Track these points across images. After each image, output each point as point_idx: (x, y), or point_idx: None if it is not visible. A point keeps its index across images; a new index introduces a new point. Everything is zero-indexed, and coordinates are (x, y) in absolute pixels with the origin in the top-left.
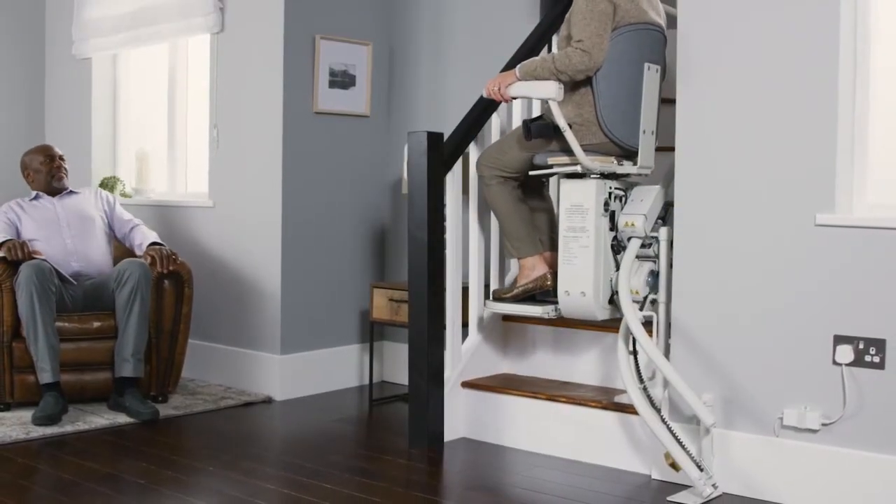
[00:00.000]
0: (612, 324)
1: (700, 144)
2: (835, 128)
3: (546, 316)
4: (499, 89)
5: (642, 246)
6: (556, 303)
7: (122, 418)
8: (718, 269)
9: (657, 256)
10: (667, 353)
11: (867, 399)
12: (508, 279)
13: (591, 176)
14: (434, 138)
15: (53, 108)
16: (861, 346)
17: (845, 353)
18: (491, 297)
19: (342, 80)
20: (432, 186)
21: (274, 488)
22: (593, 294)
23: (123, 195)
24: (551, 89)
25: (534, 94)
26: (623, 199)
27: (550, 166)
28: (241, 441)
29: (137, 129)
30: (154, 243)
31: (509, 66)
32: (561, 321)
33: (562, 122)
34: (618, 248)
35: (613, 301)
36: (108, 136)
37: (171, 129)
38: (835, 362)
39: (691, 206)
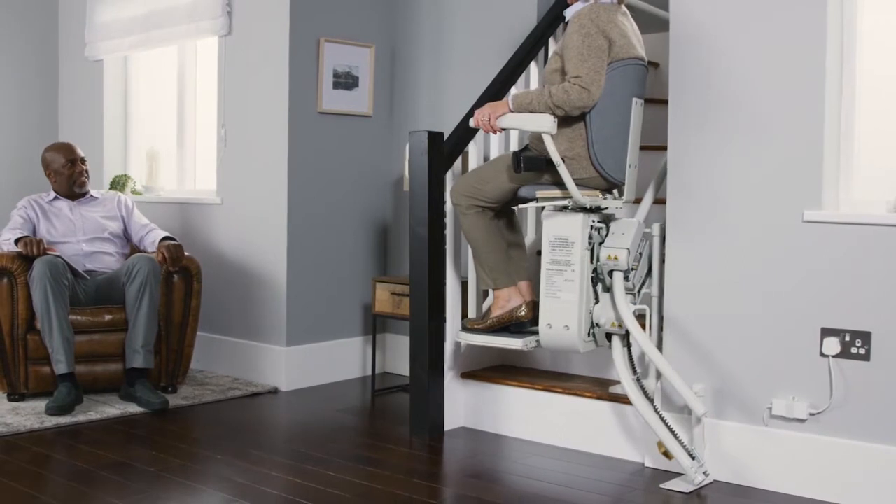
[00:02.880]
0: None
1: (691, 143)
2: (822, 127)
3: (526, 348)
4: (489, 120)
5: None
6: (533, 333)
7: (133, 408)
8: (709, 264)
9: (636, 289)
10: (659, 346)
11: (853, 390)
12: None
13: (574, 209)
14: (434, 137)
15: (66, 108)
16: (847, 338)
17: (832, 345)
18: (462, 328)
19: (346, 81)
20: (433, 184)
21: (279, 476)
22: (577, 328)
23: (134, 193)
24: (547, 122)
25: (528, 126)
26: (601, 232)
27: (537, 199)
28: (248, 430)
29: (147, 129)
30: (165, 238)
31: (487, 93)
32: None
33: (556, 157)
34: (596, 280)
35: (592, 334)
36: (120, 135)
37: (180, 128)
38: (822, 354)
39: (683, 202)
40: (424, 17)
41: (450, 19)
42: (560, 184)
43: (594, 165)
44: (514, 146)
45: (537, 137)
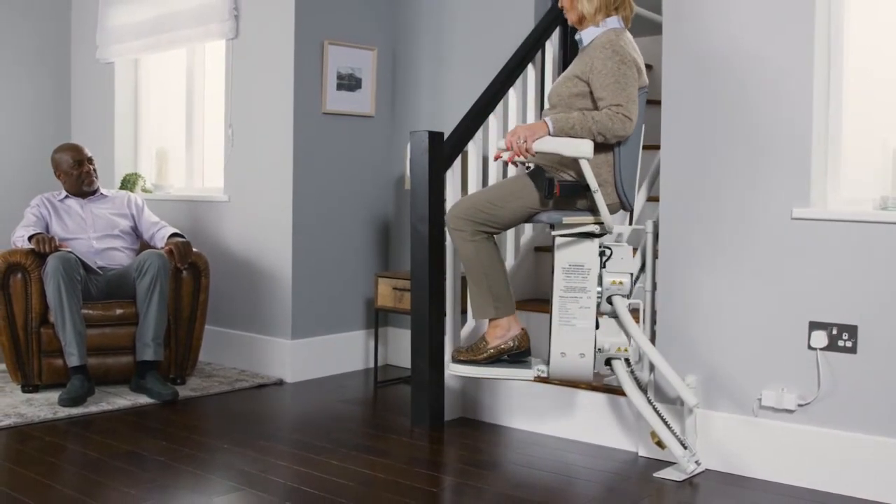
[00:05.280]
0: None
1: (684, 143)
2: (810, 126)
3: (531, 378)
4: (525, 142)
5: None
6: (534, 362)
7: (144, 399)
8: (701, 259)
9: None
10: (652, 339)
11: (840, 381)
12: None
13: (597, 235)
14: (435, 137)
15: (79, 110)
16: (834, 331)
17: (820, 338)
18: (454, 360)
19: (349, 82)
20: (433, 182)
21: (285, 464)
22: (592, 355)
23: (144, 191)
24: (587, 148)
25: (566, 151)
26: (604, 257)
27: (555, 226)
28: (255, 420)
29: (157, 129)
30: (174, 234)
31: (487, 93)
32: None
33: (594, 183)
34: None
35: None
36: (130, 135)
37: (188, 128)
38: (810, 347)
39: (676, 200)
40: (425, 21)
41: (450, 22)
42: (594, 210)
43: (618, 191)
44: (511, 168)
45: (559, 161)
